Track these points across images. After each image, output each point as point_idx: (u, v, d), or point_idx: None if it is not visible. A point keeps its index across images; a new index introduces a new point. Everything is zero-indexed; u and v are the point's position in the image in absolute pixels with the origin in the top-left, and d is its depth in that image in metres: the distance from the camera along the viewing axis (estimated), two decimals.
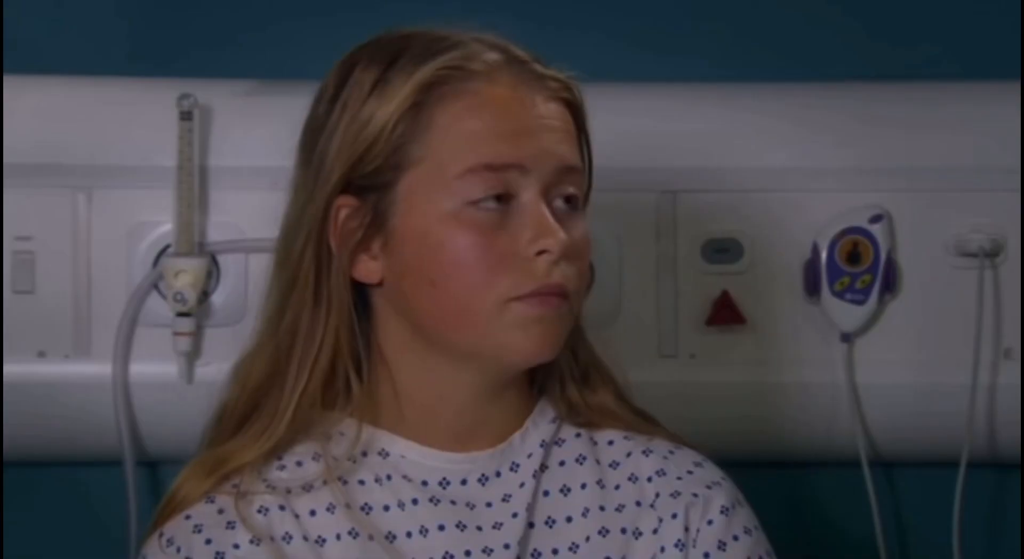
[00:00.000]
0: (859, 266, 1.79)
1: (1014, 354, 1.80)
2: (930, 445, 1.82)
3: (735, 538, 1.36)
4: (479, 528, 1.34)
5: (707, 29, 1.89)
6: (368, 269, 1.34)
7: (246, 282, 1.77)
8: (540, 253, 1.30)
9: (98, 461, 1.81)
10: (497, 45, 1.35)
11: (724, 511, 1.36)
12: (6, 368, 1.75)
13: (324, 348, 1.34)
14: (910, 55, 1.88)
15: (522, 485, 1.36)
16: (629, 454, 1.39)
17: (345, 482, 1.35)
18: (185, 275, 1.74)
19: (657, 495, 1.36)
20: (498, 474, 1.36)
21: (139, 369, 1.77)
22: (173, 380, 1.76)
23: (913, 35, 1.89)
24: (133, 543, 1.75)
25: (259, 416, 1.36)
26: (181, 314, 1.75)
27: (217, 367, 1.70)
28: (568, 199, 1.34)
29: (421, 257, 1.31)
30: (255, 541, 1.32)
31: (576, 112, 1.37)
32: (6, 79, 1.76)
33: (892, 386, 1.80)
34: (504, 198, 1.30)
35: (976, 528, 1.86)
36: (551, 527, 1.35)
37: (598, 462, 1.39)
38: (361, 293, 1.37)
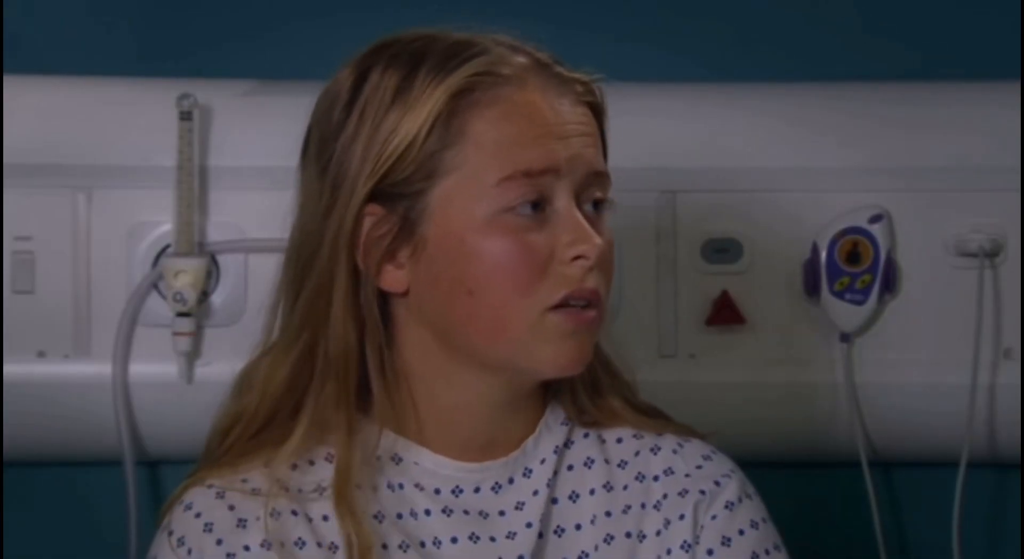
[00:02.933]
0: (859, 266, 1.79)
1: (1014, 354, 1.80)
2: (930, 445, 1.82)
3: (740, 532, 1.35)
4: (492, 539, 1.33)
5: (706, 29, 1.89)
6: (394, 278, 1.32)
7: (246, 282, 1.77)
8: (576, 258, 1.29)
9: (98, 461, 1.81)
10: (520, 48, 1.34)
11: (729, 505, 1.36)
12: (6, 368, 1.75)
13: (350, 356, 1.32)
14: (910, 55, 1.88)
15: (536, 493, 1.35)
16: (638, 453, 1.39)
17: (359, 487, 1.33)
18: (185, 275, 1.74)
19: (665, 496, 1.36)
20: (511, 481, 1.35)
21: (139, 369, 1.77)
22: (173, 380, 1.76)
23: (913, 35, 1.89)
24: (133, 543, 1.75)
25: (276, 424, 1.35)
26: (181, 314, 1.74)
27: (217, 367, 1.71)
28: (596, 204, 1.33)
29: (456, 266, 1.29)
30: (266, 545, 1.30)
31: (598, 114, 1.37)
32: (6, 79, 1.76)
33: (892, 386, 1.80)
34: (539, 204, 1.29)
35: (976, 528, 1.86)
36: (560, 536, 1.35)
37: (607, 462, 1.38)
38: (381, 302, 1.34)
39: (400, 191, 1.30)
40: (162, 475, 1.83)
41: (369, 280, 1.32)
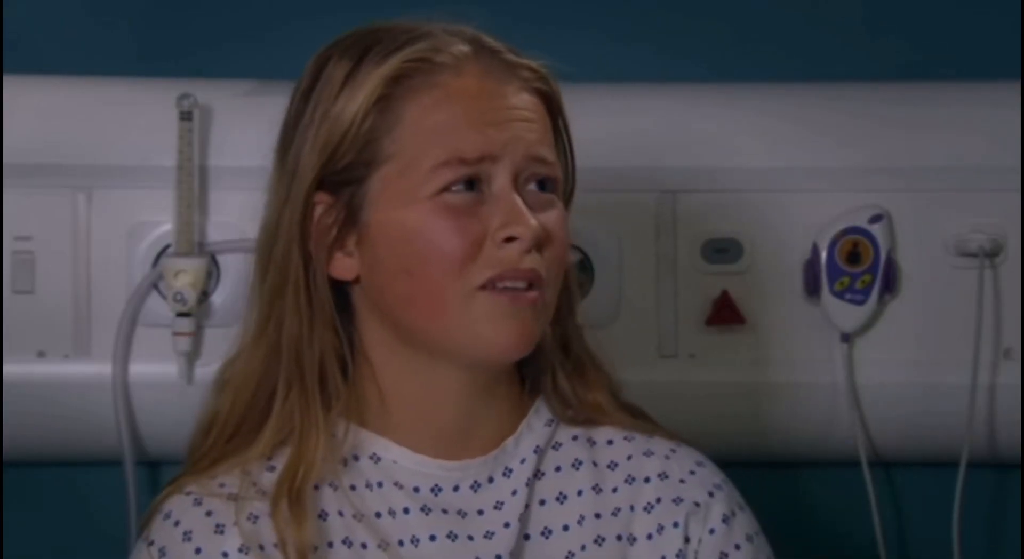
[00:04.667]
0: (859, 266, 1.79)
1: (1014, 354, 1.80)
2: (930, 445, 1.82)
3: (736, 547, 1.35)
4: (470, 538, 1.33)
5: (706, 29, 1.88)
6: (344, 266, 1.34)
7: (246, 282, 1.76)
8: (509, 240, 1.29)
9: (98, 461, 1.81)
10: (468, 35, 1.34)
11: (725, 519, 1.36)
12: (6, 368, 1.75)
13: (313, 349, 1.33)
14: (910, 55, 1.88)
15: (515, 493, 1.35)
16: (630, 457, 1.38)
17: (336, 488, 1.34)
18: (185, 275, 1.74)
19: (659, 500, 1.36)
20: (491, 480, 1.35)
21: (139, 369, 1.77)
22: (173, 380, 1.76)
23: (913, 35, 1.88)
24: (133, 543, 1.74)
25: (251, 423, 1.35)
26: (181, 314, 1.74)
27: (217, 368, 1.71)
28: (541, 183, 1.33)
29: (395, 249, 1.31)
30: (244, 550, 1.31)
31: (551, 102, 1.36)
32: (6, 79, 1.76)
33: (892, 386, 1.80)
34: (475, 184, 1.30)
35: (976, 528, 1.85)
36: (547, 538, 1.34)
37: (595, 464, 1.38)
38: (343, 292, 1.36)
39: (344, 178, 1.32)
40: (162, 475, 1.83)
41: (320, 268, 1.33)
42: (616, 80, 1.81)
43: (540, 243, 1.30)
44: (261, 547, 1.31)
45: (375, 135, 1.31)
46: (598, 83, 1.75)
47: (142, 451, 1.79)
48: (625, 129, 1.75)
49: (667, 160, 1.79)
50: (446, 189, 1.29)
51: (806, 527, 1.86)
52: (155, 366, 1.76)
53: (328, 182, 1.32)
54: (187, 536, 1.32)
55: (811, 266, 1.79)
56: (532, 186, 1.32)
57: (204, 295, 1.76)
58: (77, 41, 1.86)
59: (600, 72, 1.78)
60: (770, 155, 1.80)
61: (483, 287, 1.29)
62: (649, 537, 1.35)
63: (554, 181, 1.34)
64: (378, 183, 1.31)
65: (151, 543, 1.34)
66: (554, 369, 1.40)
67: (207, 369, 1.75)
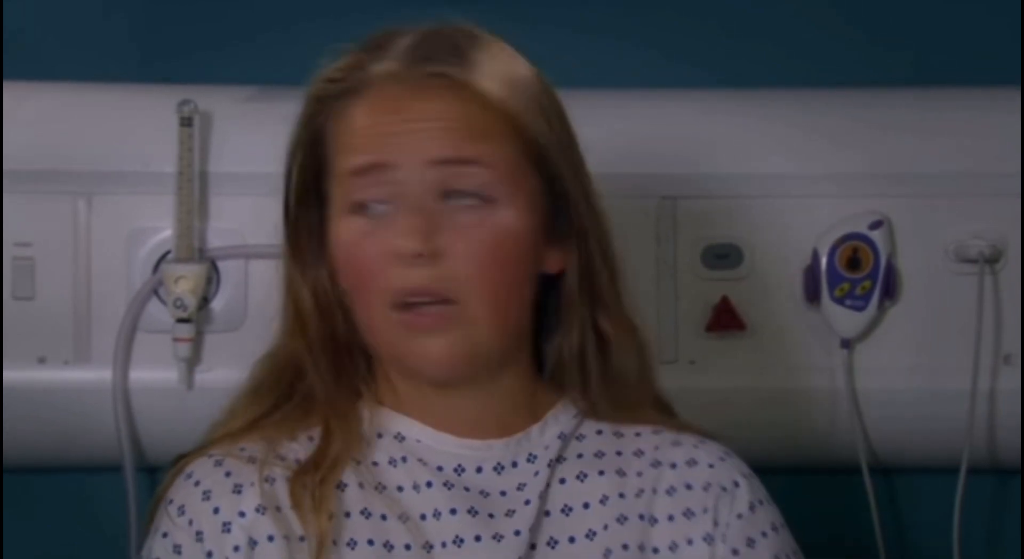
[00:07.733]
0: (859, 272, 1.79)
1: (1014, 360, 1.80)
2: (930, 451, 1.82)
3: (763, 535, 1.36)
4: (491, 515, 1.34)
5: (706, 35, 1.89)
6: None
7: (246, 288, 1.77)
8: (397, 256, 1.30)
9: (98, 467, 1.81)
10: (413, 41, 1.34)
11: (752, 507, 1.37)
12: (6, 374, 1.75)
13: (332, 341, 1.37)
14: (910, 61, 1.88)
15: (537, 474, 1.36)
16: (657, 447, 1.39)
17: (359, 462, 1.35)
18: (185, 281, 1.74)
19: (688, 486, 1.36)
20: (514, 464, 1.36)
21: (139, 375, 1.77)
22: (173, 386, 1.76)
23: (913, 41, 1.89)
24: (134, 549, 1.75)
25: (275, 417, 1.38)
26: (181, 320, 1.74)
27: (217, 373, 1.72)
28: (472, 194, 1.31)
29: (336, 265, 1.35)
30: (260, 509, 1.32)
31: (513, 120, 1.32)
32: (6, 85, 1.76)
33: (892, 392, 1.80)
34: (365, 205, 1.31)
35: (976, 534, 1.86)
36: (567, 515, 1.35)
37: (619, 454, 1.39)
38: None
39: (320, 187, 1.36)
40: (162, 481, 1.83)
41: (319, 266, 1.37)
42: (616, 86, 1.81)
43: (435, 256, 1.29)
44: (278, 508, 1.32)
45: (320, 151, 1.35)
46: (598, 88, 1.75)
47: (142, 457, 1.79)
48: (625, 134, 1.75)
49: (667, 166, 1.79)
50: (352, 211, 1.31)
51: (806, 533, 1.86)
52: (155, 372, 1.76)
53: (317, 189, 1.36)
54: (206, 495, 1.33)
55: (811, 272, 1.79)
56: (455, 198, 1.30)
57: (204, 301, 1.76)
58: (78, 46, 1.86)
59: (601, 78, 1.78)
60: (770, 161, 1.80)
61: (394, 307, 1.31)
62: (671, 519, 1.35)
63: (485, 190, 1.30)
64: (327, 198, 1.35)
65: (170, 501, 1.35)
66: (587, 376, 1.39)
67: (207, 375, 1.76)
